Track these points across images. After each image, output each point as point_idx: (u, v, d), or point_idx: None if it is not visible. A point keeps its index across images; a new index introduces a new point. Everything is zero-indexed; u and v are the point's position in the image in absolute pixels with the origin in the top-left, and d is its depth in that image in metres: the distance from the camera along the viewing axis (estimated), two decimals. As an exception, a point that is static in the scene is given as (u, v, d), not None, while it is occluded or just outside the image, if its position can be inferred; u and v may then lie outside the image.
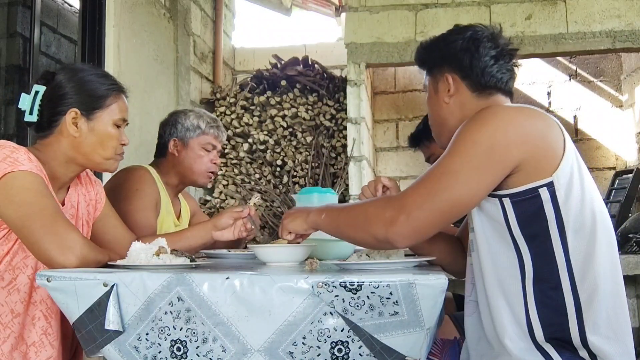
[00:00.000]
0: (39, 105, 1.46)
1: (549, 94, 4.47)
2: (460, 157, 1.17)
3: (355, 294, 1.07)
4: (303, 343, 1.08)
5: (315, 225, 1.37)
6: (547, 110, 4.43)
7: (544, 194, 1.16)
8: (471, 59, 1.35)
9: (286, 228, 1.41)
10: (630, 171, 3.81)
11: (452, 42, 1.38)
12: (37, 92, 1.46)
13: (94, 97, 1.48)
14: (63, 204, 1.50)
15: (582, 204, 1.18)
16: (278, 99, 4.05)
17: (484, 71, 1.35)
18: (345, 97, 3.79)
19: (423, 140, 2.12)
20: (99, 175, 2.71)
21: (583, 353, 1.16)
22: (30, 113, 1.46)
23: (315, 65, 4.19)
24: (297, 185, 3.95)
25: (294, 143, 4.01)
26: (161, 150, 2.17)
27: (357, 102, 3.65)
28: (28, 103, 1.46)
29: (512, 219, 1.18)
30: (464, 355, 1.38)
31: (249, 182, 4.02)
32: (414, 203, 1.16)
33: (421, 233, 1.18)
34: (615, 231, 3.50)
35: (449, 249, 1.52)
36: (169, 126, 2.14)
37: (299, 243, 1.44)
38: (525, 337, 1.18)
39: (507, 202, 1.18)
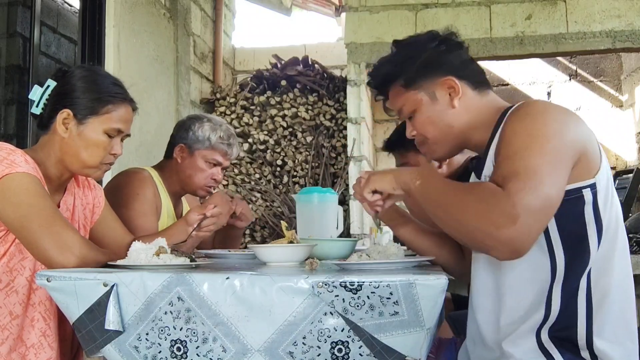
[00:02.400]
0: (46, 100, 1.47)
1: (549, 94, 4.47)
2: (538, 154, 1.08)
3: (355, 294, 1.07)
4: (303, 343, 1.08)
5: (406, 188, 1.24)
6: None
7: (587, 195, 1.13)
8: (460, 59, 1.32)
9: (371, 184, 1.29)
10: (630, 171, 3.82)
11: (433, 47, 1.33)
12: (48, 87, 1.47)
13: (91, 102, 1.45)
14: (58, 206, 1.49)
15: (611, 208, 1.16)
16: (278, 99, 4.05)
17: (474, 68, 1.33)
18: (345, 97, 3.79)
19: (398, 147, 2.07)
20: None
21: (585, 354, 1.15)
22: (37, 105, 1.46)
23: (315, 65, 4.20)
24: (297, 185, 3.95)
25: (294, 143, 4.01)
26: (169, 151, 2.12)
27: (357, 102, 3.65)
28: (38, 95, 1.46)
29: (550, 221, 1.12)
30: (463, 355, 1.37)
31: (249, 182, 4.02)
32: (522, 205, 1.02)
33: (525, 246, 1.05)
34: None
35: (454, 250, 1.49)
36: (182, 130, 2.07)
37: (379, 208, 1.33)
38: (531, 337, 1.17)
39: None
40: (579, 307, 1.14)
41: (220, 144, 2.05)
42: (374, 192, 1.30)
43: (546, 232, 1.15)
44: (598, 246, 1.14)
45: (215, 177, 2.07)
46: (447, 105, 1.31)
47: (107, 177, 2.35)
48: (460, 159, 1.98)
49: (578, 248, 1.14)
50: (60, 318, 1.41)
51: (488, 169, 1.25)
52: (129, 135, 1.54)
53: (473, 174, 1.37)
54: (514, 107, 1.23)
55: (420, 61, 1.32)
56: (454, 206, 1.11)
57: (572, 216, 1.13)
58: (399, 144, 2.04)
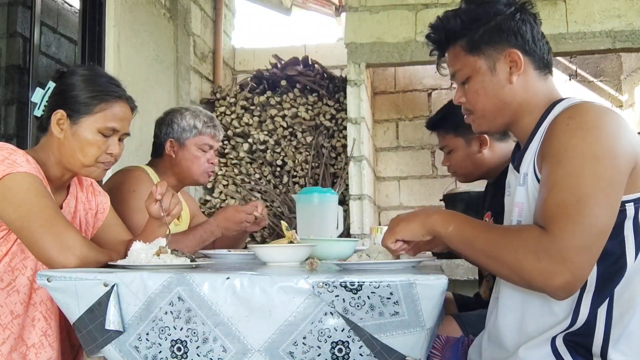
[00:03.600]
0: (46, 102, 1.47)
1: (549, 94, 4.47)
2: (589, 179, 1.03)
3: (355, 294, 1.07)
4: (303, 343, 1.08)
5: (435, 234, 1.17)
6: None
7: (630, 209, 1.08)
8: (532, 32, 1.22)
9: (397, 234, 1.21)
10: (630, 171, 3.81)
11: (508, 13, 1.22)
12: (48, 89, 1.47)
13: (82, 101, 1.44)
14: (61, 208, 1.49)
15: None
16: (278, 99, 4.05)
17: (542, 46, 1.23)
18: (345, 97, 3.79)
19: (438, 128, 2.02)
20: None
21: None
22: (39, 108, 1.47)
23: (315, 65, 4.19)
24: (297, 185, 3.95)
25: (294, 143, 4.01)
26: (158, 150, 2.14)
27: (357, 102, 3.65)
28: (39, 97, 1.47)
29: None
30: (475, 351, 1.36)
31: (249, 182, 4.02)
32: (570, 249, 0.99)
33: (582, 280, 1.02)
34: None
35: None
36: (164, 126, 2.12)
37: (404, 252, 1.25)
38: (546, 342, 1.14)
39: None
40: (599, 317, 1.11)
41: (207, 127, 2.10)
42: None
43: None
44: (635, 260, 1.10)
45: (212, 161, 2.13)
46: (505, 79, 1.23)
47: (106, 176, 2.35)
48: (505, 148, 1.88)
49: (613, 262, 1.10)
50: (61, 318, 1.41)
51: (527, 166, 1.20)
52: (128, 134, 1.52)
53: (511, 164, 1.32)
54: (562, 106, 1.17)
55: (490, 25, 1.23)
56: (496, 254, 1.07)
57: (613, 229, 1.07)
58: (438, 125, 2.00)
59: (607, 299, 1.11)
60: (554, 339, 1.14)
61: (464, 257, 1.15)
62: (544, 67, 1.25)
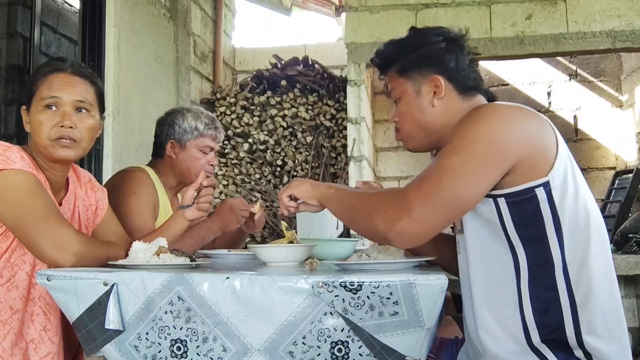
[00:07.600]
0: None
1: (549, 94, 4.47)
2: (458, 155, 1.15)
3: (355, 294, 1.07)
4: (303, 343, 1.08)
5: (321, 198, 1.38)
6: (547, 110, 4.43)
7: (541, 194, 1.15)
8: (456, 61, 1.34)
9: (289, 191, 1.42)
10: (630, 171, 3.82)
11: (435, 42, 1.35)
12: None
13: (29, 89, 1.45)
14: (60, 204, 1.49)
15: (576, 204, 1.18)
16: (278, 99, 4.05)
17: (467, 73, 1.35)
18: (345, 97, 3.79)
19: None
20: (98, 178, 2.71)
21: (578, 353, 1.15)
22: None
23: (315, 65, 4.20)
24: (297, 185, 3.94)
25: (294, 143, 4.01)
26: (158, 150, 2.15)
27: (357, 102, 3.65)
28: None
29: (507, 220, 1.17)
30: (463, 356, 1.37)
31: (249, 182, 4.02)
32: (416, 202, 1.12)
33: (422, 235, 1.15)
34: (615, 231, 3.48)
35: (448, 249, 1.51)
36: (166, 126, 2.11)
37: (292, 209, 1.44)
38: (520, 339, 1.17)
39: (502, 202, 1.17)
40: (563, 306, 1.16)
41: (208, 129, 2.10)
42: (291, 197, 1.43)
43: (505, 231, 1.18)
44: (561, 243, 1.16)
45: (212, 163, 2.13)
46: (428, 102, 1.34)
47: (106, 176, 2.35)
48: None
49: (540, 247, 1.17)
50: (61, 312, 1.41)
51: None
52: (82, 101, 1.43)
53: None
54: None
55: (417, 53, 1.36)
56: (359, 208, 1.23)
57: (527, 216, 1.16)
58: None
59: (565, 288, 1.16)
60: (528, 338, 1.17)
61: (339, 218, 1.36)
62: (469, 90, 1.35)
